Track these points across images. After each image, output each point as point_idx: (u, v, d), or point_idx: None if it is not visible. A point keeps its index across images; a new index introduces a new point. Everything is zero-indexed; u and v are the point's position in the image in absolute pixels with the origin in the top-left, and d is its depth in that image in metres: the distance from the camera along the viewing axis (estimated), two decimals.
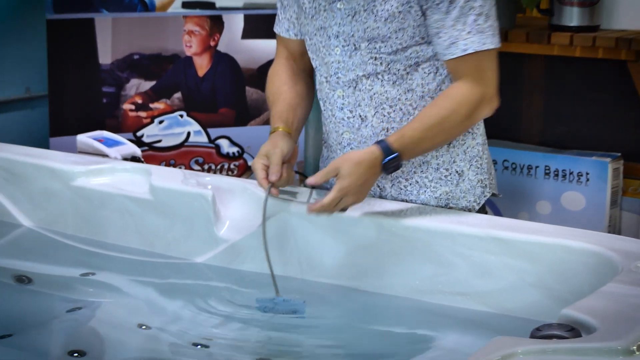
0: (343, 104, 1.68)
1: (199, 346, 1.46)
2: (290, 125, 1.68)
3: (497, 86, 1.62)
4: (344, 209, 1.61)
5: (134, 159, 1.98)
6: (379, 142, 1.60)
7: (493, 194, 1.76)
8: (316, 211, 1.57)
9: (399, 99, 1.65)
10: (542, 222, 1.61)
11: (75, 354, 1.40)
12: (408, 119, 1.66)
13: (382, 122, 1.67)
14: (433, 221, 1.61)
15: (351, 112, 1.68)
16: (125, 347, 1.46)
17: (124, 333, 1.51)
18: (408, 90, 1.65)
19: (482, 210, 1.75)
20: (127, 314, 1.58)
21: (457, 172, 1.71)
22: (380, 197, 1.72)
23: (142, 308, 1.63)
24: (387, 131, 1.67)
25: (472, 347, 1.33)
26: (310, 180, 1.59)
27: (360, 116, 1.68)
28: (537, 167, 2.80)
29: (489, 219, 1.65)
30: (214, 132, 2.88)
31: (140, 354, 1.45)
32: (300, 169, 3.03)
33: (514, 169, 2.83)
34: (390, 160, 1.58)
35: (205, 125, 2.86)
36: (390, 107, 1.66)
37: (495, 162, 2.87)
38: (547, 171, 2.79)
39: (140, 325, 1.54)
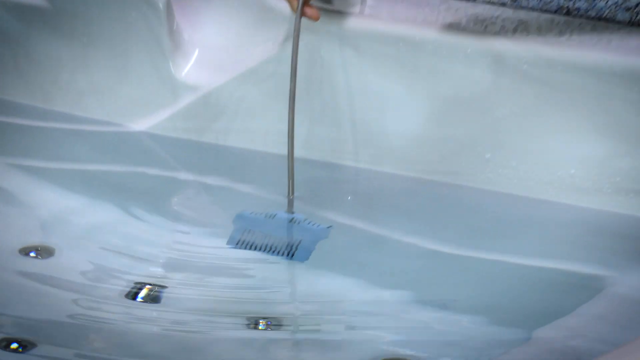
0: None
1: (138, 298, 1.47)
2: None
3: None
4: None
5: None
6: None
7: None
8: None
9: None
10: None
11: None
12: None
13: None
14: (609, 50, 1.59)
15: None
16: (4, 290, 1.47)
17: (3, 263, 1.52)
18: None
19: None
20: (8, 229, 1.60)
21: None
22: (502, 3, 1.71)
23: (34, 219, 1.65)
24: None
25: None
26: None
27: None
28: None
29: None
30: None
31: (27, 306, 1.44)
32: None
33: None
34: None
35: None
36: None
37: None
38: None
39: (30, 250, 1.56)
